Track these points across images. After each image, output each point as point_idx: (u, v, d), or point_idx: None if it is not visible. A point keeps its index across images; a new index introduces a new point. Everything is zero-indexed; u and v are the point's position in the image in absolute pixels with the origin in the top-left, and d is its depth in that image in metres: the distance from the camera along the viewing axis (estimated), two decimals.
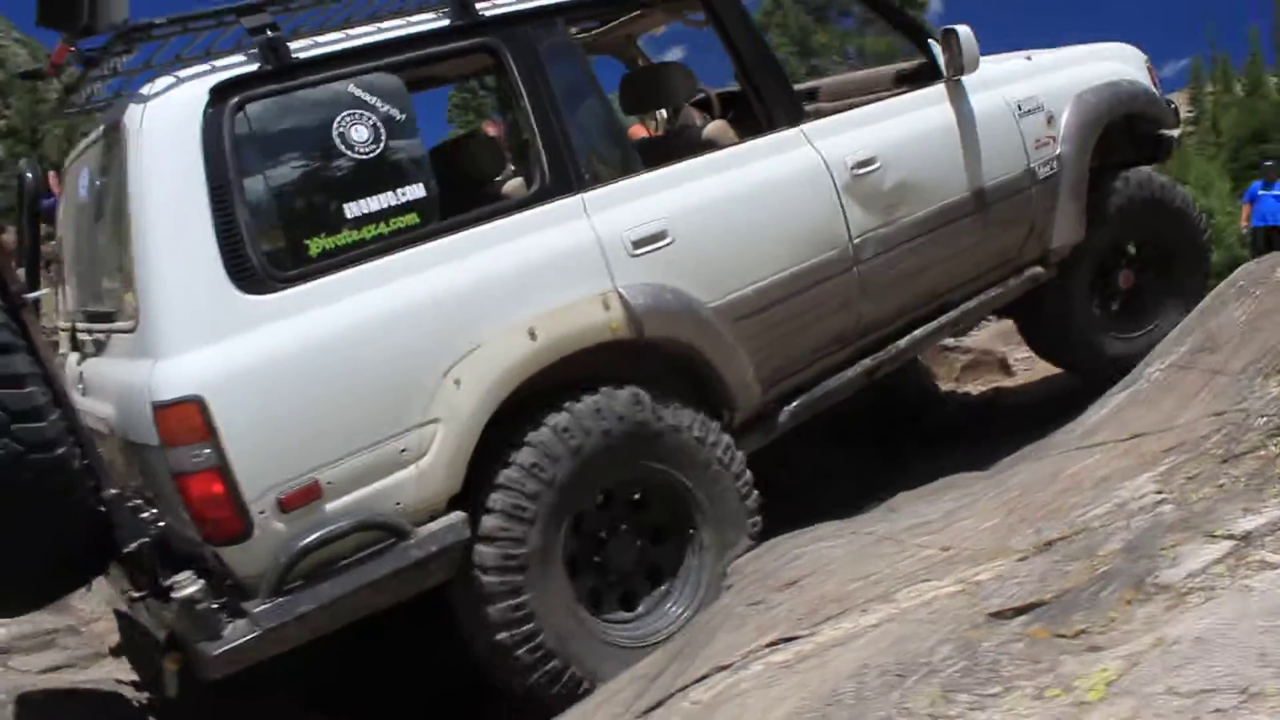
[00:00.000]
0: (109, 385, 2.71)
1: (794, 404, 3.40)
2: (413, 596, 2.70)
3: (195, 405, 2.35)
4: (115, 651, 3.82)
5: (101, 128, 2.87)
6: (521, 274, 2.80)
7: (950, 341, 7.02)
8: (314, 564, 2.48)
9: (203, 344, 2.43)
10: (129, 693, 3.49)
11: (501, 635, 2.68)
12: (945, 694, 1.57)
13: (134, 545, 2.47)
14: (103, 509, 2.48)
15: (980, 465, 3.96)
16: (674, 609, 2.99)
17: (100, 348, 2.86)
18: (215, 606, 2.40)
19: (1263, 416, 2.53)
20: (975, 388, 6.84)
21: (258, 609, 2.42)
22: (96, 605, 4.09)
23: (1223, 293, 3.85)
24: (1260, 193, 11.43)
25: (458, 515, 2.66)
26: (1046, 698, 1.41)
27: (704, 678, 2.27)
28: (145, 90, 2.58)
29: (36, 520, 2.41)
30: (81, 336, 2.99)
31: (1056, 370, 6.57)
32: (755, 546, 3.09)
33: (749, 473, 3.16)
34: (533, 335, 2.73)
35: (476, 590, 2.67)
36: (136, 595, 2.58)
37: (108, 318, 2.83)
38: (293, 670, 3.17)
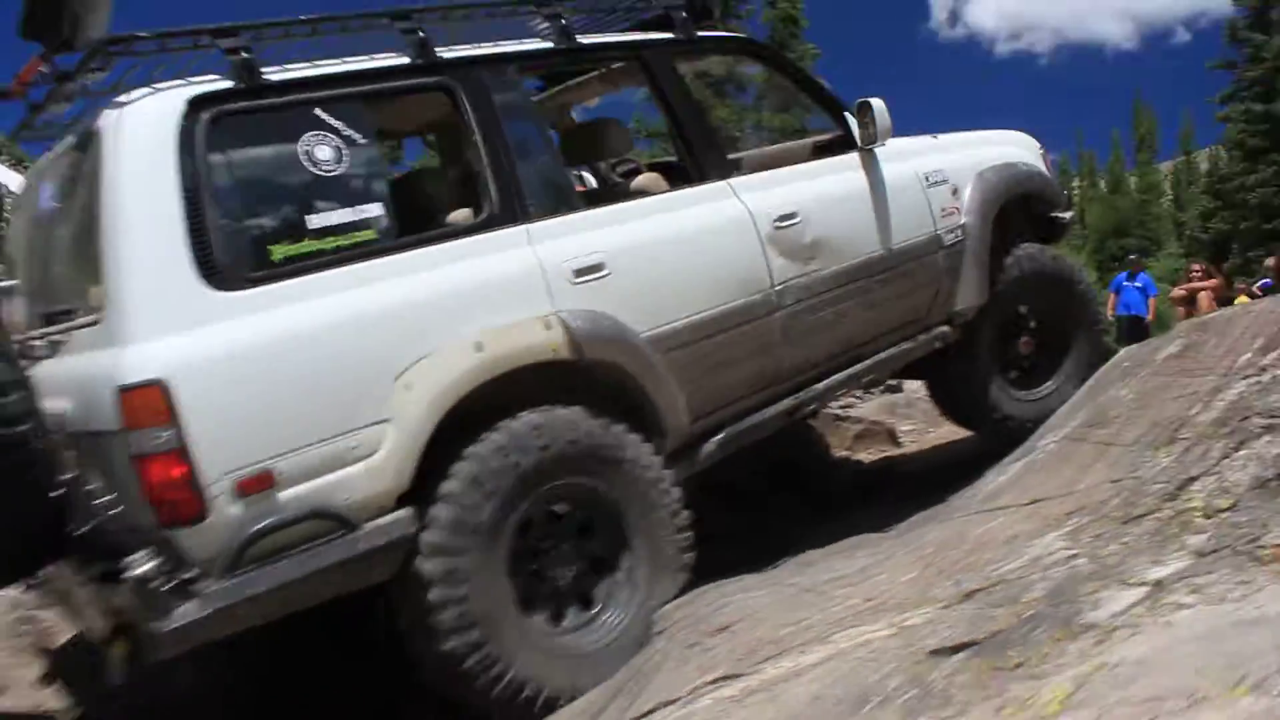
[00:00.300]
0: (67, 381, 2.76)
1: (719, 436, 3.57)
2: (356, 591, 2.79)
3: (158, 388, 2.44)
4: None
5: (71, 138, 2.98)
6: (470, 292, 2.98)
7: (840, 412, 7.38)
8: (265, 549, 2.56)
9: (168, 333, 2.54)
10: None
11: (449, 643, 2.76)
12: (907, 715, 1.70)
13: (88, 527, 2.55)
14: (57, 492, 2.57)
15: (880, 526, 4.17)
16: (612, 619, 3.11)
17: (56, 348, 2.90)
18: (167, 586, 2.44)
19: (1156, 483, 2.77)
20: (866, 456, 7.12)
21: (210, 589, 2.48)
22: None
23: (1108, 373, 4.18)
24: (1124, 284, 12.25)
25: (405, 512, 2.77)
26: (1005, 715, 1.54)
27: (651, 712, 2.37)
28: (123, 99, 2.70)
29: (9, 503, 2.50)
30: (34, 342, 2.99)
31: (942, 441, 6.95)
32: (687, 568, 3.27)
33: (680, 495, 3.32)
34: (479, 348, 2.89)
35: (423, 601, 2.75)
36: (83, 581, 2.63)
37: (67, 316, 2.89)
38: None
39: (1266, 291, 10.05)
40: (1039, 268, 4.61)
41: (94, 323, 2.65)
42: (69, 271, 2.99)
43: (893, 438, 7.37)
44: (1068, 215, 5.00)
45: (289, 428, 2.62)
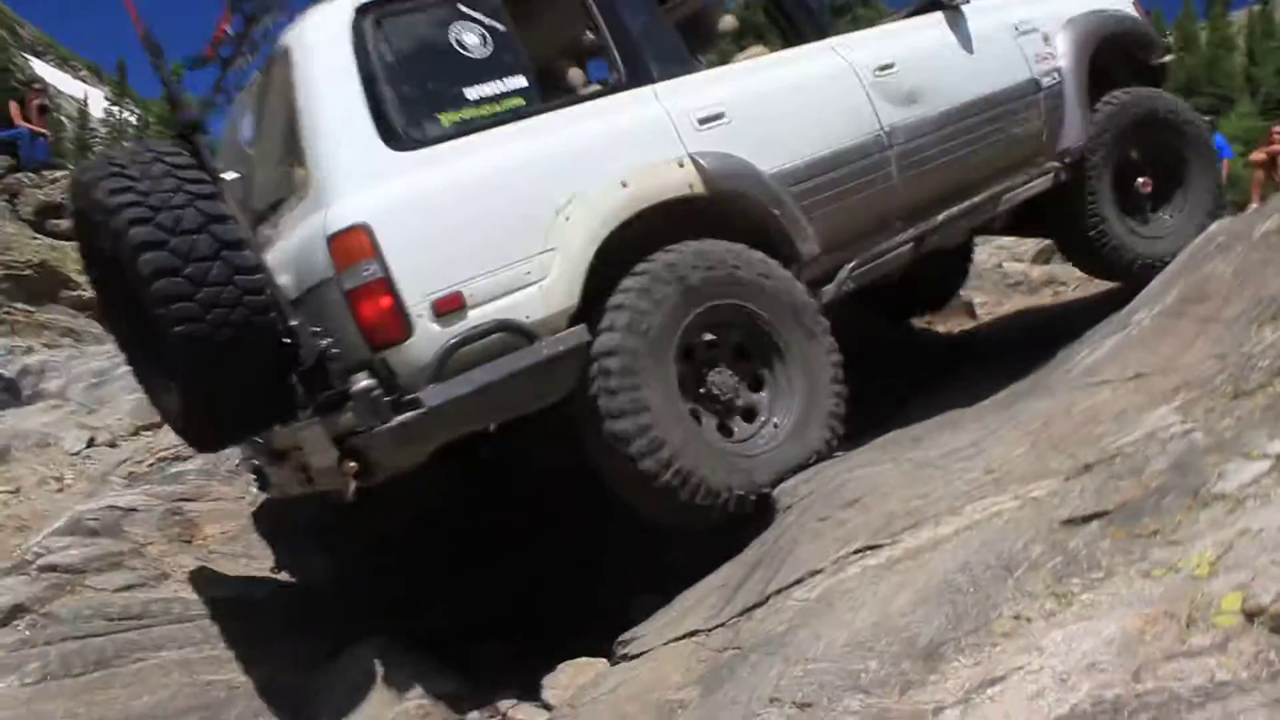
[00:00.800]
0: (283, 260, 3.24)
1: (852, 265, 3.94)
2: (543, 407, 3.23)
3: (362, 229, 2.95)
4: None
5: (258, 72, 3.60)
6: (610, 141, 3.47)
7: None
8: (464, 360, 3.03)
9: (363, 189, 3.05)
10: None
11: (623, 424, 3.17)
12: (1057, 579, 1.90)
13: (316, 355, 2.97)
14: (288, 340, 2.99)
15: (972, 400, 4.37)
16: (774, 427, 3.55)
17: (270, 240, 3.41)
18: (387, 395, 2.91)
19: (1264, 359, 2.89)
20: (946, 329, 7.26)
21: (423, 392, 2.95)
22: (149, 530, 4.29)
23: (1202, 247, 4.24)
24: None
25: (578, 327, 3.22)
26: (1155, 577, 1.74)
27: (798, 582, 2.60)
28: (301, 19, 3.29)
29: (251, 354, 2.92)
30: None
31: (1015, 311, 7.01)
32: (840, 381, 3.69)
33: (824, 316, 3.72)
34: (624, 184, 3.36)
35: (602, 393, 3.18)
36: (309, 420, 3.04)
37: (278, 207, 3.46)
38: None
39: None
40: (1141, 107, 4.86)
41: (301, 198, 3.20)
42: (275, 171, 3.50)
43: (970, 311, 7.48)
44: (1167, 58, 5.21)
45: (471, 257, 3.09)
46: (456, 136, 3.24)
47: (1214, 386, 2.93)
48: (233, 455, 5.62)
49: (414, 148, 3.17)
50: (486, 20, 3.39)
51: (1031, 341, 5.69)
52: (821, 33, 4.19)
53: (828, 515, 2.95)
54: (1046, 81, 4.59)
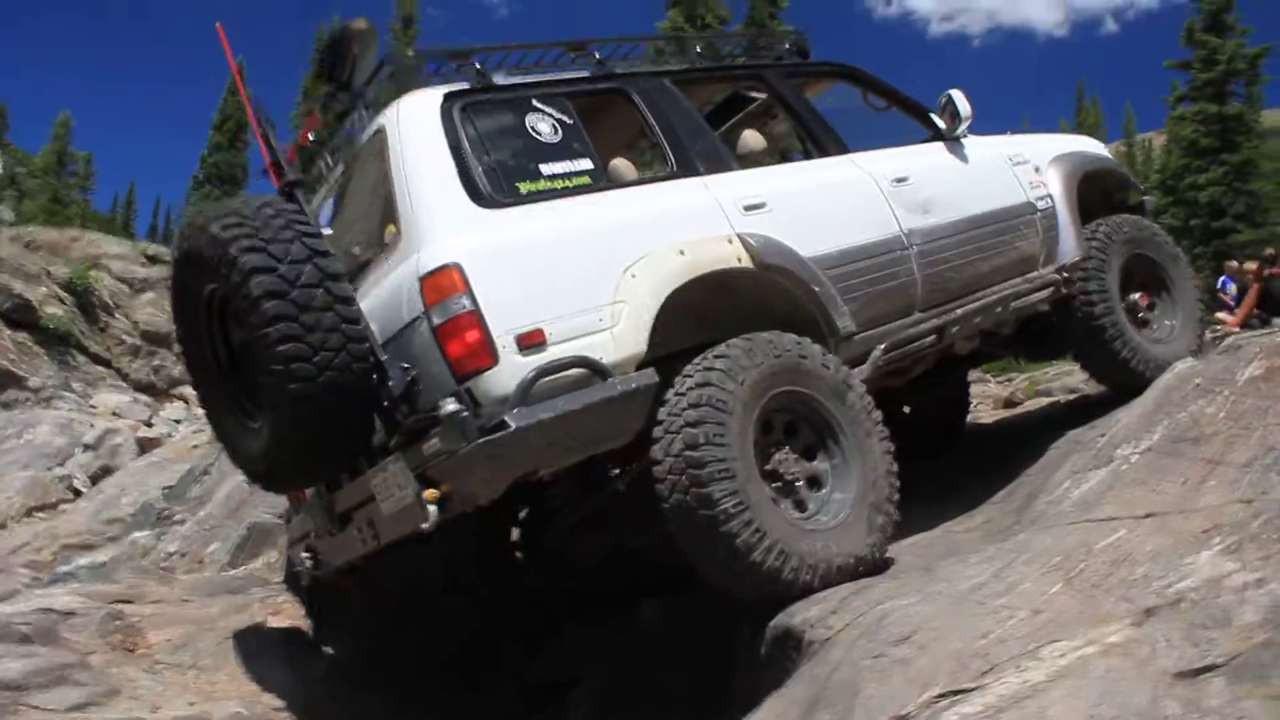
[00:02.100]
0: (371, 310, 3.46)
1: (883, 346, 4.22)
2: (614, 449, 3.47)
3: (455, 269, 3.22)
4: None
5: (355, 148, 3.94)
6: (671, 216, 3.82)
7: None
8: (544, 390, 3.21)
9: (453, 237, 3.33)
10: None
11: (715, 489, 3.28)
12: None
13: (404, 385, 3.23)
14: (377, 377, 3.25)
15: (947, 516, 4.40)
16: (839, 499, 3.70)
17: (359, 292, 3.59)
18: (474, 419, 3.09)
19: None
20: None
21: (509, 414, 3.10)
22: (89, 638, 3.88)
23: (1178, 388, 4.39)
24: None
25: (649, 370, 3.45)
26: None
27: None
28: (395, 103, 3.67)
29: (347, 396, 3.17)
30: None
31: None
32: (888, 444, 3.88)
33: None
34: (682, 253, 3.67)
35: (693, 472, 3.30)
36: (393, 448, 3.26)
37: (366, 266, 3.75)
38: None
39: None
40: (1124, 229, 5.34)
41: (391, 251, 3.49)
42: (358, 238, 3.83)
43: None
44: (1148, 198, 5.83)
45: (550, 300, 3.35)
46: (533, 202, 3.59)
47: (1253, 532, 2.99)
48: (160, 549, 5.23)
49: (497, 207, 3.49)
50: (557, 114, 3.83)
51: (973, 457, 5.85)
52: (842, 149, 4.61)
53: (881, 653, 2.85)
54: (1041, 205, 5.08)
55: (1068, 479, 4.37)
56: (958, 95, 4.92)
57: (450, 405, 3.08)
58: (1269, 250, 11.87)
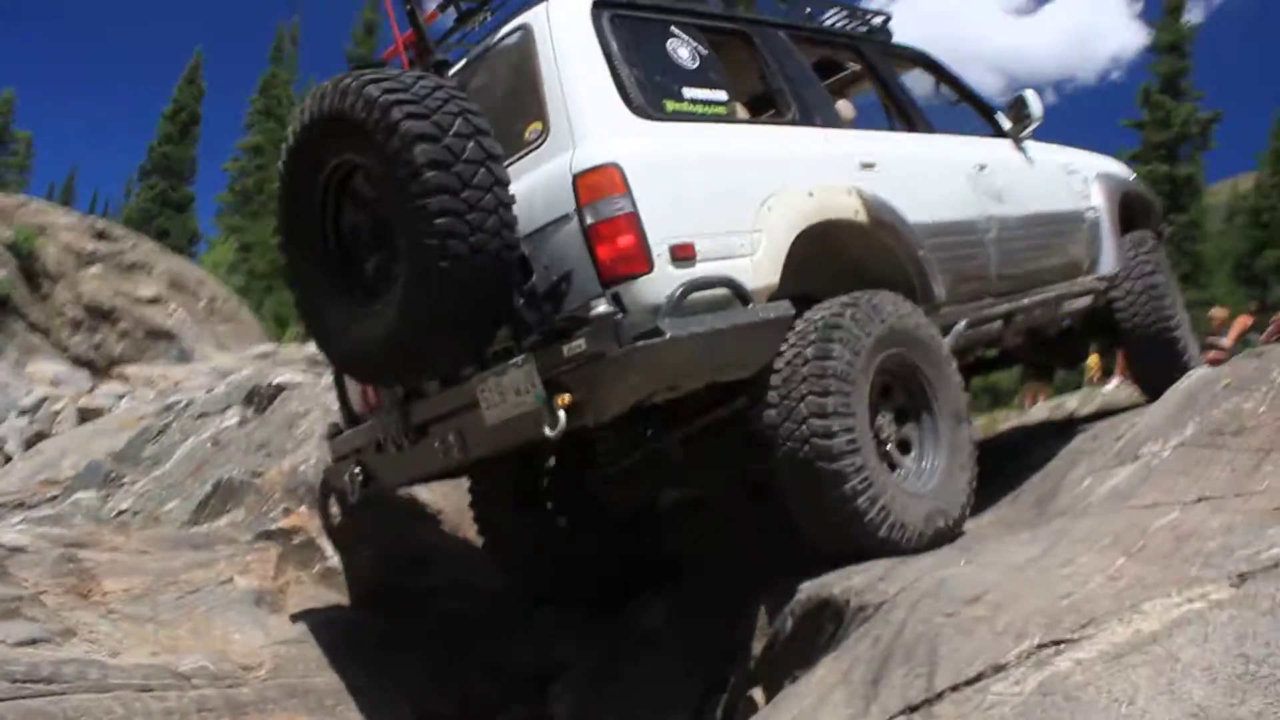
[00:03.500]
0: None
1: (964, 323, 4.23)
2: (745, 378, 3.38)
3: (616, 169, 3.11)
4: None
5: (494, 40, 3.79)
6: (802, 158, 3.84)
7: None
8: (693, 305, 3.12)
9: (611, 138, 3.25)
10: None
11: (842, 456, 3.25)
12: None
13: (551, 283, 3.09)
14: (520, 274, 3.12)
15: None
16: (930, 465, 3.73)
17: None
18: (626, 321, 2.95)
19: None
20: None
21: (663, 322, 2.99)
22: (40, 576, 3.49)
23: (1205, 389, 4.29)
24: None
25: (785, 301, 3.40)
26: None
27: (980, 676, 2.24)
28: (538, 7, 3.56)
29: (490, 284, 3.03)
30: None
31: None
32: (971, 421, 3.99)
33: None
34: (811, 195, 3.64)
35: (816, 422, 3.25)
36: (524, 350, 3.07)
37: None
38: None
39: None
40: (1158, 251, 5.65)
41: (535, 148, 3.36)
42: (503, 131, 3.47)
43: None
44: (1166, 229, 6.17)
45: (700, 217, 3.29)
46: (677, 121, 3.52)
47: None
48: (108, 508, 4.84)
49: (648, 118, 3.40)
50: (694, 42, 3.79)
51: None
52: (930, 128, 4.69)
53: (955, 612, 2.63)
54: (1088, 214, 5.29)
55: (1088, 477, 4.23)
56: (1032, 96, 5.05)
57: (603, 306, 2.96)
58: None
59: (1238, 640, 2.01)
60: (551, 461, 4.56)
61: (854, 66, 5.10)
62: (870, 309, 3.53)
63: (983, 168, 4.60)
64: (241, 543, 4.24)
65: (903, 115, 4.73)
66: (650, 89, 3.50)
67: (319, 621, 3.84)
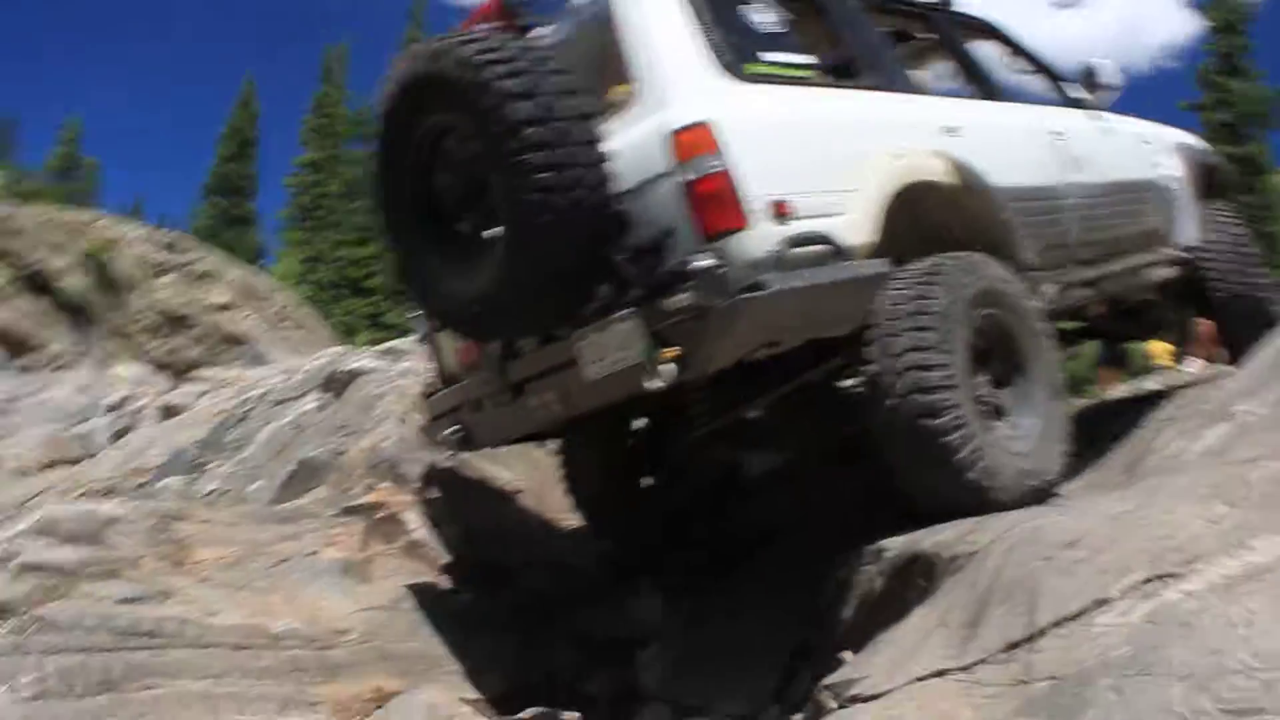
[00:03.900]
0: None
1: (1053, 285, 4.20)
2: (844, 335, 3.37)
3: (708, 127, 3.11)
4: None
5: (577, 4, 3.82)
6: (890, 121, 3.87)
7: None
8: (792, 260, 3.13)
9: (703, 98, 3.25)
10: None
11: (946, 412, 3.21)
12: None
13: (656, 237, 3.09)
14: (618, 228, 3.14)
15: None
16: (1029, 426, 3.66)
17: None
18: (730, 273, 2.96)
19: None
20: None
21: (766, 276, 3.01)
22: (137, 544, 3.58)
23: None
24: None
25: (883, 259, 3.39)
26: None
27: (1084, 611, 2.20)
28: None
29: (589, 240, 3.07)
30: None
31: None
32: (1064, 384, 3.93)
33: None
34: (900, 156, 3.64)
35: (919, 375, 3.22)
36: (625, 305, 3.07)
37: None
38: None
39: None
40: (1235, 218, 5.70)
41: (623, 113, 3.36)
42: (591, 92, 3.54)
43: None
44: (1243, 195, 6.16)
45: (794, 175, 3.28)
46: (766, 83, 3.52)
47: None
48: (195, 490, 4.95)
49: (738, 79, 3.41)
50: (775, 6, 3.78)
51: None
52: (1005, 97, 4.69)
53: (1051, 556, 2.57)
54: (1168, 185, 5.24)
55: (1178, 437, 4.11)
56: (1107, 65, 5.08)
57: (706, 260, 2.97)
58: None
59: None
60: (641, 424, 4.57)
61: (926, 36, 4.99)
62: (968, 264, 3.54)
63: (1060, 135, 4.58)
64: (326, 517, 4.31)
65: (977, 83, 4.71)
66: (736, 51, 3.49)
67: (406, 592, 3.89)
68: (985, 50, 5.04)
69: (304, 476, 4.70)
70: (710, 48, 3.40)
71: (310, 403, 5.59)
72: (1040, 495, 3.51)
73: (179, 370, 10.64)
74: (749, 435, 4.32)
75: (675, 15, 3.44)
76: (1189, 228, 5.28)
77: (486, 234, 3.20)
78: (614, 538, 4.61)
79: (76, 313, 9.85)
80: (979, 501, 3.28)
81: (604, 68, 3.52)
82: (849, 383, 4.14)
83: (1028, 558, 2.61)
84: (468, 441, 3.82)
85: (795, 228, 3.17)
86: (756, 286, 2.98)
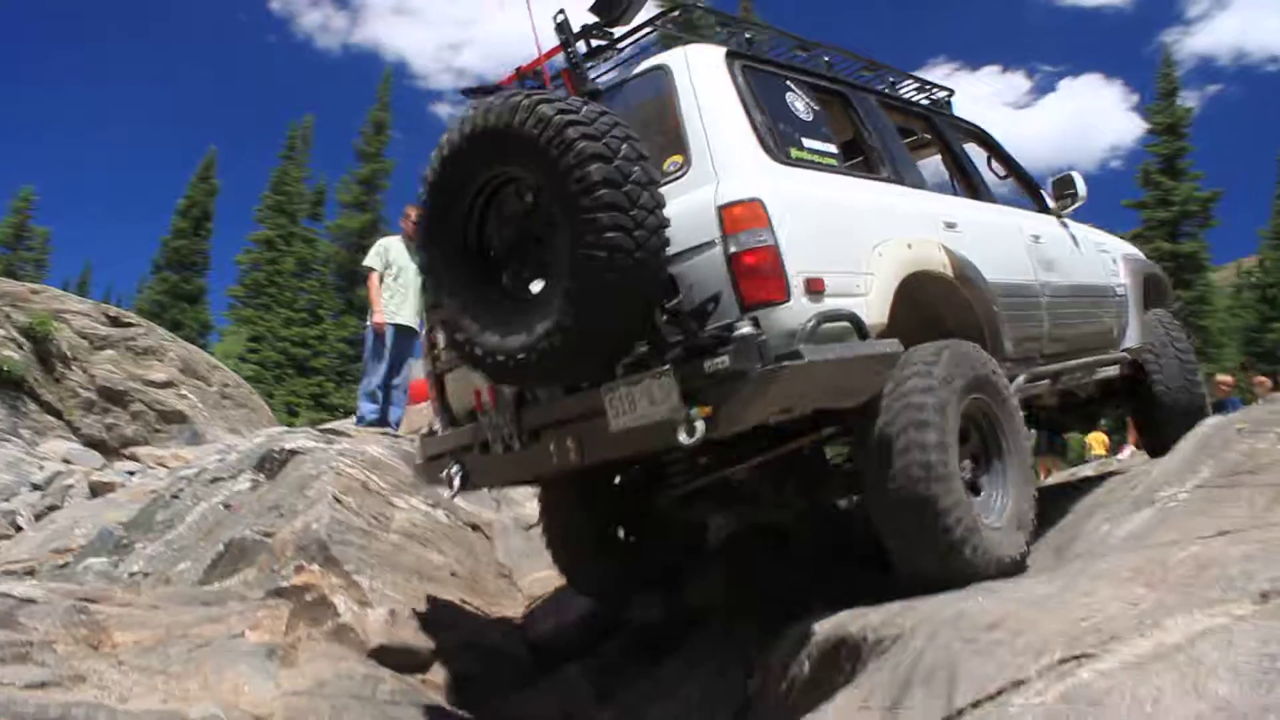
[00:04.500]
0: None
1: (1023, 378, 4.41)
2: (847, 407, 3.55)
3: (759, 204, 3.34)
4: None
5: (629, 75, 4.02)
6: (902, 213, 4.11)
7: None
8: (824, 335, 3.30)
9: (752, 175, 3.49)
10: None
11: (930, 457, 3.40)
12: None
13: (701, 302, 3.29)
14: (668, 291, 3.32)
15: None
16: (1000, 504, 3.86)
17: None
18: (768, 343, 3.14)
19: None
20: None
21: (801, 346, 3.17)
22: (51, 627, 3.46)
23: (1218, 435, 4.29)
24: None
25: (894, 339, 3.56)
26: None
27: (1001, 691, 2.21)
28: (674, 51, 3.83)
29: (643, 296, 3.23)
30: None
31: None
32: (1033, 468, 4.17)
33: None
34: (910, 246, 3.89)
35: (919, 457, 3.41)
36: (666, 362, 3.23)
37: None
38: None
39: None
40: (1173, 324, 6.05)
41: (672, 180, 3.52)
42: None
43: None
44: (1176, 304, 6.57)
45: (827, 255, 3.50)
46: (800, 167, 3.75)
47: None
48: (120, 572, 4.82)
49: (779, 161, 3.64)
50: (807, 97, 4.10)
51: None
52: (991, 198, 5.03)
53: (973, 638, 2.60)
54: (1118, 291, 5.65)
55: (1105, 523, 4.20)
56: (1078, 177, 5.46)
57: (747, 327, 3.16)
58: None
59: (1262, 643, 2.00)
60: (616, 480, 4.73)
61: (925, 135, 5.40)
62: (961, 355, 3.74)
63: (1037, 238, 4.97)
64: (253, 599, 4.20)
65: (968, 183, 5.05)
66: (778, 135, 3.74)
67: (331, 676, 3.79)
68: (974, 152, 5.36)
69: (233, 557, 4.59)
70: (756, 130, 3.63)
71: (244, 483, 5.48)
72: (1016, 569, 3.71)
73: (113, 448, 10.41)
74: (727, 496, 4.47)
75: (729, 97, 3.68)
76: (1135, 331, 5.64)
77: (534, 287, 3.38)
78: (595, 592, 4.74)
79: (14, 386, 9.65)
80: (961, 572, 3.46)
81: (657, 136, 3.67)
82: (835, 454, 4.45)
83: (949, 640, 2.63)
84: (465, 482, 3.90)
85: (826, 304, 3.37)
86: (794, 355, 3.14)
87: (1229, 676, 1.88)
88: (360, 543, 4.55)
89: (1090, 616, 2.57)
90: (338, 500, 4.78)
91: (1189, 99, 32.13)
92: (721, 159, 3.52)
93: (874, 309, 3.58)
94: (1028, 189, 5.57)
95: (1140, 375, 5.67)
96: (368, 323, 8.09)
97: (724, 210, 3.33)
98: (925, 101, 5.34)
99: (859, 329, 3.45)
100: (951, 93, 5.47)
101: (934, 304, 4.11)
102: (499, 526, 5.56)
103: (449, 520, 5.28)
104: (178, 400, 12.34)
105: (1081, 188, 5.43)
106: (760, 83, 3.87)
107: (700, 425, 3.09)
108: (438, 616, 4.49)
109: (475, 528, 5.43)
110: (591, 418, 3.38)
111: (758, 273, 3.27)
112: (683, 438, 3.10)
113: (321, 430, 6.34)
